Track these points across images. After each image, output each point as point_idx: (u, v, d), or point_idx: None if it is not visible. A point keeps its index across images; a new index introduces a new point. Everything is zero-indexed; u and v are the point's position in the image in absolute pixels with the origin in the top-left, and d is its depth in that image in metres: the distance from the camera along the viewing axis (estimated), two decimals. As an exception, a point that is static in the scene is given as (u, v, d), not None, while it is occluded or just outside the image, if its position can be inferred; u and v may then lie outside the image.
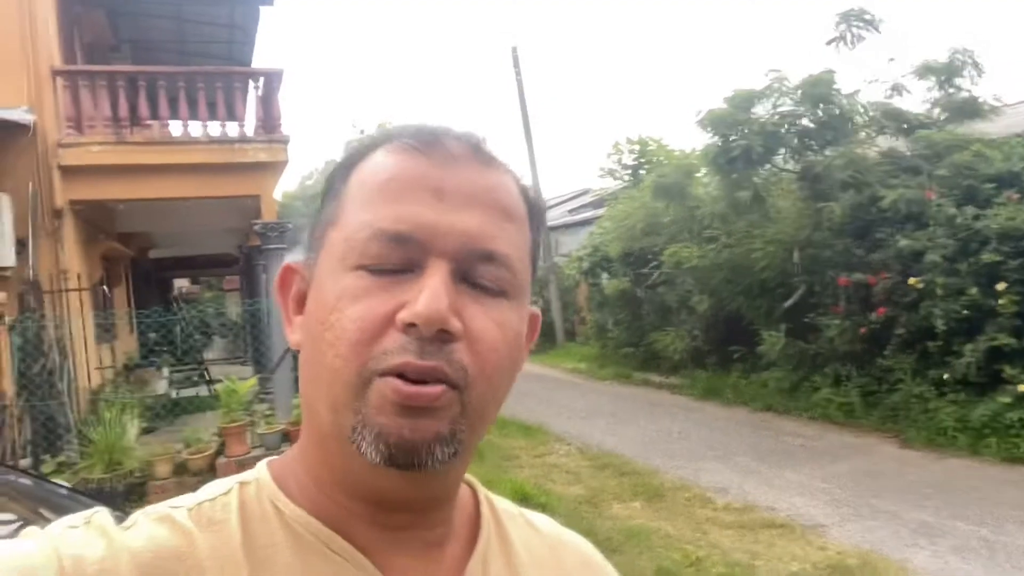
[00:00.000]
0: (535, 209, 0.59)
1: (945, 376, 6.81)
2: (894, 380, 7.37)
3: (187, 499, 0.54)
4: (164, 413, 8.16)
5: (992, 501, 5.11)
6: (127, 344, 10.94)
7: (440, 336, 0.48)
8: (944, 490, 5.42)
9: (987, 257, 6.41)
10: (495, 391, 0.52)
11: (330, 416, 0.51)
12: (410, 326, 0.48)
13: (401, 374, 0.48)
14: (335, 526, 0.53)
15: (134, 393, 7.70)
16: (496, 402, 0.54)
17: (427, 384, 0.48)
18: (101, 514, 0.51)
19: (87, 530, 0.49)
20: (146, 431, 7.56)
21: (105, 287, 9.45)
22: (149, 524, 0.51)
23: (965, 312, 6.60)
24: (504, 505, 0.67)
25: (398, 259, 0.50)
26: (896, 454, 6.50)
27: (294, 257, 0.62)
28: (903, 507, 5.13)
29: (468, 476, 0.64)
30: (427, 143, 0.54)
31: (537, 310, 0.61)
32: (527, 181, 0.59)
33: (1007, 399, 6.21)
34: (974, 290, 6.48)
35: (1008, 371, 6.31)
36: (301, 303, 0.57)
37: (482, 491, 0.65)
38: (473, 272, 0.51)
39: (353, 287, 0.50)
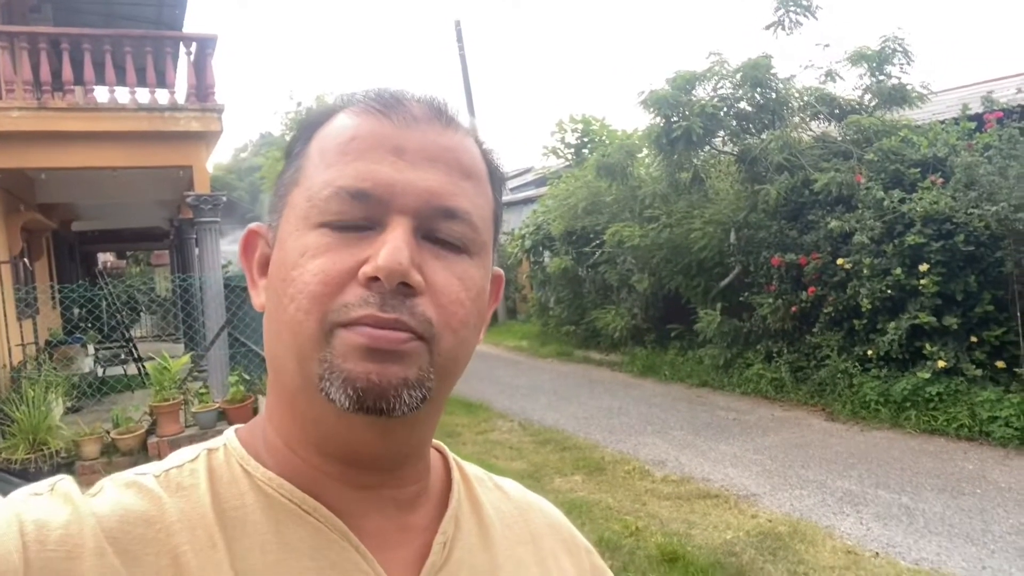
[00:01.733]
0: (496, 171, 0.60)
1: (869, 352, 7.11)
2: (822, 356, 7.67)
3: (153, 467, 0.54)
4: (90, 392, 7.85)
5: (912, 471, 5.40)
6: (50, 320, 10.46)
7: (402, 290, 0.49)
8: (867, 460, 5.69)
9: (911, 239, 6.69)
10: (461, 344, 0.53)
11: (297, 367, 0.51)
12: (372, 280, 0.49)
13: (364, 325, 0.48)
14: (306, 487, 0.53)
15: (58, 371, 7.37)
16: (463, 357, 0.54)
17: (392, 330, 0.49)
18: (65, 481, 0.50)
19: (51, 496, 0.48)
20: (72, 410, 7.26)
21: (26, 260, 8.99)
22: (116, 490, 0.50)
23: (889, 292, 6.89)
24: (473, 470, 0.68)
25: (360, 216, 0.51)
26: (823, 427, 6.79)
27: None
28: (829, 477, 5.37)
29: (437, 441, 0.65)
30: (389, 105, 0.54)
31: (500, 271, 0.62)
32: (488, 144, 0.60)
33: (926, 375, 6.53)
34: (898, 271, 6.77)
35: (928, 348, 6.64)
36: (265, 266, 0.57)
37: (451, 455, 0.66)
38: (434, 229, 0.52)
39: (315, 244, 0.51)
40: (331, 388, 0.49)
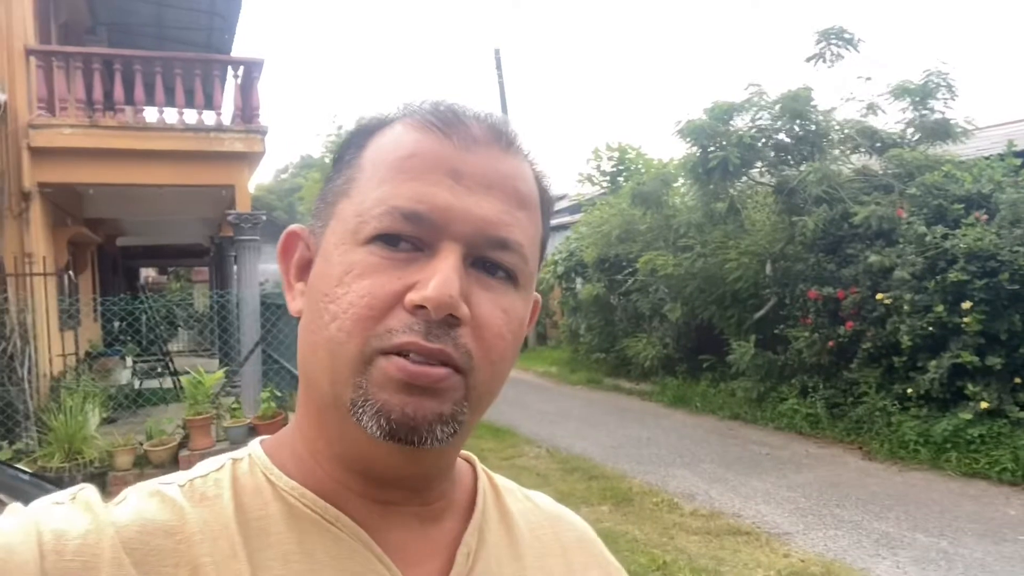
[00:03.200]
0: (546, 197, 0.59)
1: (909, 391, 6.93)
2: (859, 393, 7.49)
3: (178, 476, 0.53)
4: (126, 403, 8.01)
5: (951, 514, 5.21)
6: (91, 332, 10.71)
7: (447, 320, 0.48)
8: (905, 502, 5.51)
9: (954, 276, 6.54)
10: (497, 376, 0.53)
11: (330, 388, 0.50)
12: (419, 308, 0.48)
13: (405, 353, 0.48)
14: (330, 500, 0.53)
15: (96, 382, 7.53)
16: (497, 388, 0.54)
17: (432, 365, 0.48)
18: (87, 490, 0.50)
19: (72, 506, 0.48)
20: (107, 421, 7.40)
21: (71, 273, 9.25)
22: (138, 499, 0.50)
23: (931, 329, 6.72)
24: (503, 481, 0.67)
25: (411, 236, 0.50)
26: (859, 465, 6.60)
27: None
28: (865, 517, 5.21)
29: (467, 452, 0.64)
30: (448, 122, 0.53)
31: (538, 296, 0.61)
32: (541, 168, 0.59)
33: (968, 415, 6.33)
34: (940, 308, 6.61)
35: (970, 388, 6.44)
36: (302, 269, 0.56)
37: (480, 466, 0.65)
38: (485, 258, 0.51)
39: (363, 262, 0.50)
40: (363, 416, 0.48)
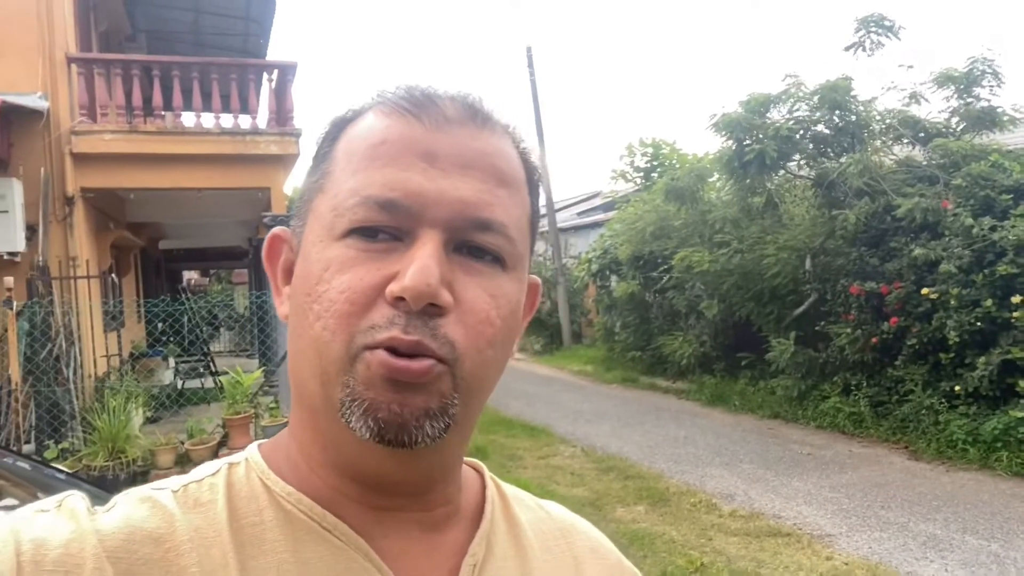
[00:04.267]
0: (533, 173, 0.56)
1: (957, 388, 6.72)
2: (904, 391, 7.29)
3: (173, 481, 0.52)
4: (169, 403, 8.16)
5: (1002, 516, 5.03)
6: (134, 333, 10.95)
7: (428, 310, 0.46)
8: (953, 503, 5.34)
9: (1003, 269, 6.32)
10: (488, 364, 0.50)
11: (320, 389, 0.49)
12: (399, 299, 0.46)
13: (389, 347, 0.46)
14: (327, 506, 0.51)
15: (140, 382, 7.69)
16: (490, 377, 0.51)
17: (415, 358, 0.46)
18: (73, 497, 0.48)
19: (57, 513, 0.46)
20: (150, 420, 7.56)
21: (114, 275, 9.46)
22: (127, 506, 0.48)
23: (979, 324, 6.51)
24: (513, 490, 0.64)
25: (388, 226, 0.48)
26: (905, 465, 6.42)
27: None
28: (912, 519, 5.05)
29: (474, 460, 0.62)
30: (419, 105, 0.51)
31: (537, 279, 0.59)
32: (528, 142, 0.56)
33: (1020, 413, 6.11)
34: (989, 302, 6.39)
35: (1022, 385, 6.22)
36: (289, 272, 0.54)
37: (488, 475, 0.63)
38: (467, 241, 0.49)
39: (341, 257, 0.48)
40: (352, 416, 0.46)
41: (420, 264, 0.46)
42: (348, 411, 0.47)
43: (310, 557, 0.48)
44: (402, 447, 0.47)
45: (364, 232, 0.48)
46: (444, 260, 0.47)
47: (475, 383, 0.49)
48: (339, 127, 0.54)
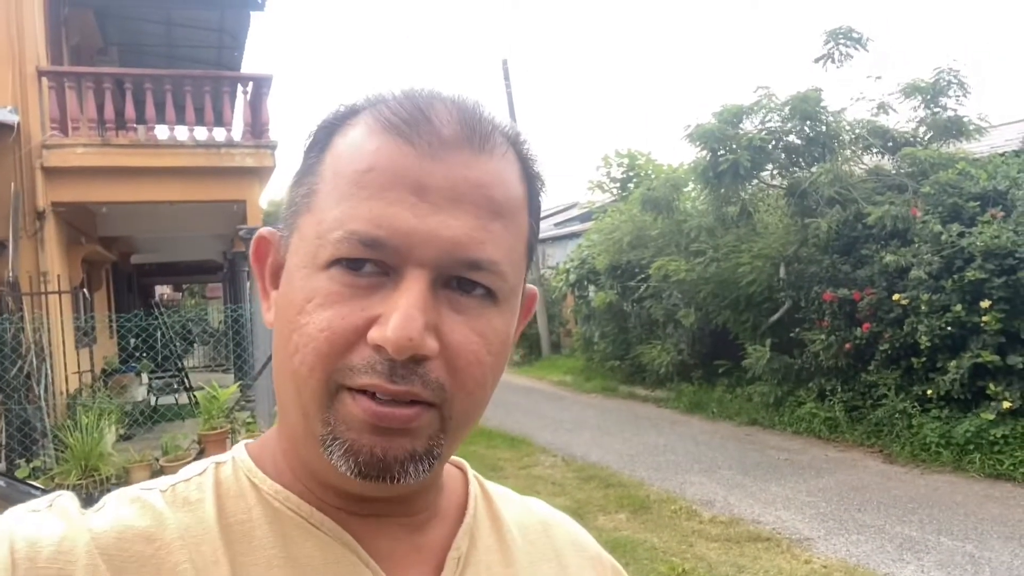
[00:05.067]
0: (535, 183, 0.54)
1: (929, 392, 6.83)
2: (878, 395, 7.39)
3: (162, 481, 0.52)
4: (143, 420, 8.03)
5: (976, 517, 5.12)
6: (106, 349, 10.78)
7: (414, 358, 0.45)
8: (928, 505, 5.42)
9: (972, 274, 6.45)
10: (477, 403, 0.50)
11: (301, 420, 0.49)
12: (380, 347, 0.45)
13: (371, 392, 0.45)
14: (314, 505, 0.51)
15: (112, 399, 7.56)
16: (477, 414, 0.51)
17: (400, 405, 0.45)
18: (65, 497, 0.48)
19: (48, 513, 0.46)
20: (124, 438, 7.42)
21: (85, 291, 9.31)
22: (117, 506, 0.48)
23: (949, 329, 6.63)
24: (494, 487, 0.65)
25: (373, 259, 0.46)
26: (880, 469, 6.50)
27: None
28: (888, 522, 5.12)
29: (457, 459, 0.62)
30: (413, 122, 0.47)
31: (534, 288, 0.58)
32: (530, 147, 0.54)
33: (991, 416, 6.23)
34: (959, 307, 6.51)
35: (992, 388, 6.34)
36: (276, 276, 0.53)
37: (471, 472, 0.63)
38: (457, 278, 0.47)
39: (324, 290, 0.46)
40: (334, 454, 0.46)
41: (402, 314, 0.44)
42: (330, 449, 0.46)
43: (299, 553, 0.49)
44: (384, 483, 0.47)
45: (349, 264, 0.46)
46: (430, 302, 0.46)
47: (463, 421, 0.49)
48: (328, 132, 0.51)
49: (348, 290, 0.46)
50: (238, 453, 0.55)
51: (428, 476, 0.48)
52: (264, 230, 0.56)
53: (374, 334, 0.44)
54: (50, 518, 0.46)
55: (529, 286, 0.57)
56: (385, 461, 0.45)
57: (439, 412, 0.47)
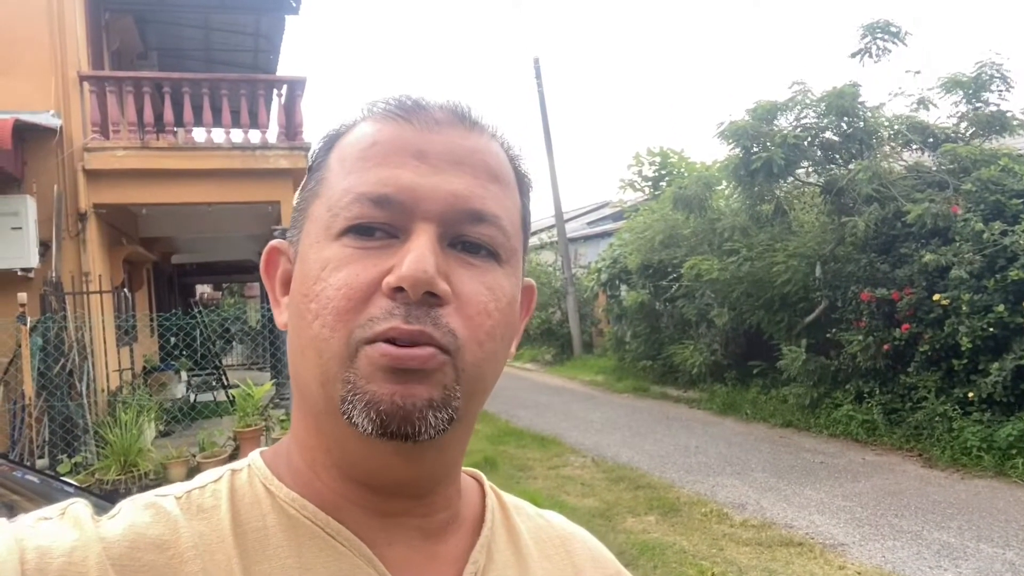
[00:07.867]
0: (523, 177, 0.57)
1: (970, 395, 6.65)
2: (918, 398, 7.23)
3: (177, 487, 0.52)
4: (181, 417, 8.21)
5: (1018, 524, 4.97)
6: (147, 347, 11.03)
7: (427, 300, 0.47)
8: (968, 511, 5.28)
9: (1015, 274, 6.27)
10: (488, 357, 0.50)
11: (320, 389, 0.49)
12: (397, 290, 0.46)
13: (389, 339, 0.46)
14: (330, 511, 0.51)
15: (152, 396, 7.74)
16: (491, 371, 0.51)
17: (417, 346, 0.46)
18: (77, 505, 0.48)
19: (60, 521, 0.46)
20: (162, 434, 7.61)
21: (127, 290, 9.55)
22: (131, 513, 0.48)
23: (991, 330, 6.45)
24: (512, 500, 0.65)
25: (382, 222, 0.49)
26: (919, 473, 6.36)
27: None
28: (926, 527, 5.00)
29: (473, 470, 0.62)
30: (409, 110, 0.52)
31: (531, 281, 0.60)
32: (516, 148, 0.57)
33: (1035, 420, 6.05)
34: (1001, 307, 6.34)
35: (1036, 391, 6.16)
36: (287, 284, 0.55)
37: (488, 484, 0.63)
38: (462, 234, 0.50)
39: (337, 255, 0.49)
40: (354, 411, 0.46)
41: (416, 254, 0.47)
42: (350, 406, 0.47)
43: (313, 563, 0.49)
44: (406, 439, 0.47)
45: (360, 230, 0.49)
46: (440, 252, 0.48)
47: (476, 375, 0.49)
48: (332, 139, 0.55)
49: (361, 252, 0.48)
50: (254, 460, 0.55)
51: (448, 434, 0.48)
52: (274, 241, 0.58)
53: (390, 278, 0.47)
54: (62, 526, 0.46)
55: (527, 280, 0.58)
56: (404, 408, 0.46)
57: (453, 361, 0.47)
